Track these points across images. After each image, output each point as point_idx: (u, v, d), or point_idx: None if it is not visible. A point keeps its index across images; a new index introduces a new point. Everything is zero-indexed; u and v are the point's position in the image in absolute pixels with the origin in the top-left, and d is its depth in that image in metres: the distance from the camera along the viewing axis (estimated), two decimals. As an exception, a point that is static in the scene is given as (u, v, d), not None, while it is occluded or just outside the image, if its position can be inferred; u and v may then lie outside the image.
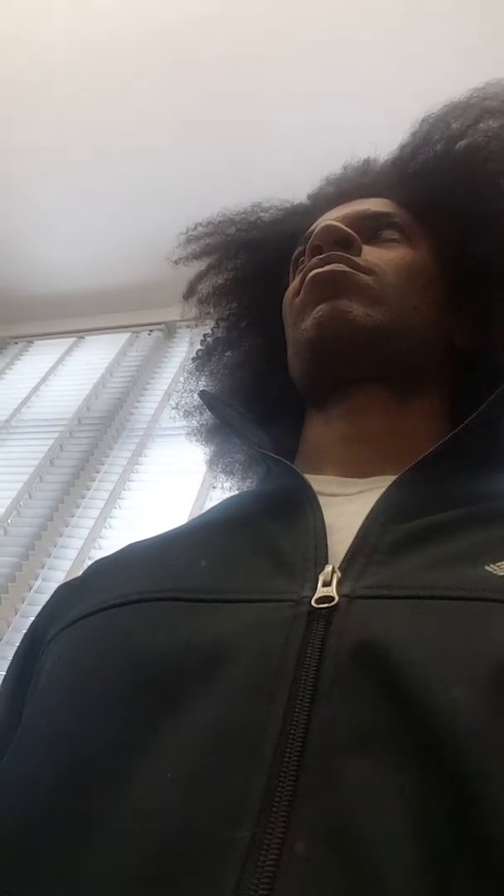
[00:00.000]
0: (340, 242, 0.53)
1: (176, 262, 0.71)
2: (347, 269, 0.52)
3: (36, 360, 2.42)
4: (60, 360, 2.36)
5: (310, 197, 0.71)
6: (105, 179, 2.08)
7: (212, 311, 0.72)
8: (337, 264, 0.52)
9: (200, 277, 0.71)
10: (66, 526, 1.73)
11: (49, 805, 0.29)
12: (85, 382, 2.19)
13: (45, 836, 0.27)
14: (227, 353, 0.70)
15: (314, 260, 0.53)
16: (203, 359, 0.71)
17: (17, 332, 2.53)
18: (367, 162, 0.70)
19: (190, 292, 0.72)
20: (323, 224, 0.54)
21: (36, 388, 2.25)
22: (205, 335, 0.72)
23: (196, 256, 0.71)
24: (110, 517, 1.72)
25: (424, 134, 0.63)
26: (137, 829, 0.26)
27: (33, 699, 0.39)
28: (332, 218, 0.57)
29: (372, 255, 0.54)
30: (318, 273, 0.52)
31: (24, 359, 2.46)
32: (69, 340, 2.44)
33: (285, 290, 0.62)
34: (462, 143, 0.60)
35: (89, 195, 2.13)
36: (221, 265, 0.71)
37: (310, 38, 1.68)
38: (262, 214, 0.71)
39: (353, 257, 0.53)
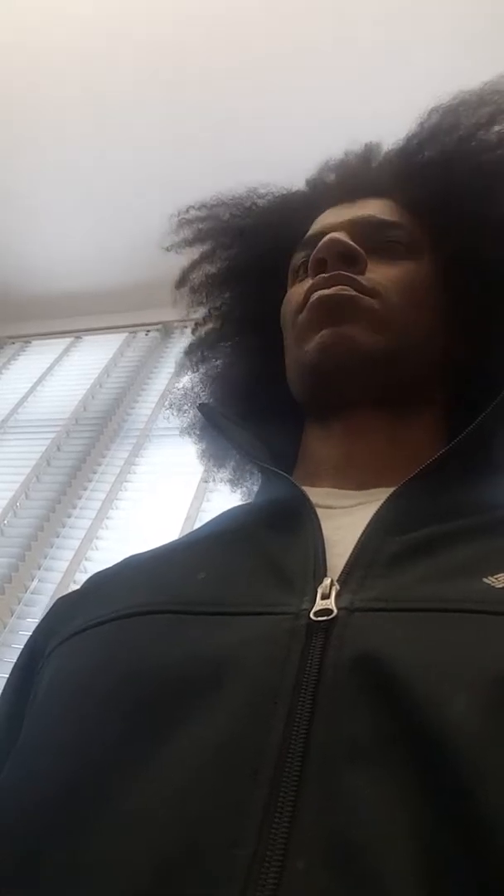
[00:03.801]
0: (345, 258, 0.51)
1: (167, 249, 0.68)
2: (353, 292, 0.50)
3: (33, 360, 2.42)
4: (57, 361, 2.36)
5: (308, 183, 0.68)
6: (103, 179, 2.07)
7: (204, 300, 0.69)
8: (342, 287, 0.50)
9: (193, 266, 0.69)
10: (63, 527, 1.73)
11: (48, 819, 0.29)
12: (82, 383, 2.19)
13: (44, 850, 0.27)
14: (220, 345, 0.68)
15: (318, 279, 0.52)
16: (195, 353, 0.69)
17: (14, 331, 2.52)
18: (369, 149, 0.67)
19: (182, 281, 0.69)
20: (328, 238, 0.52)
21: (33, 388, 2.25)
22: (196, 323, 0.70)
23: (189, 243, 0.68)
24: (107, 518, 1.72)
25: (433, 128, 0.60)
26: (138, 845, 0.26)
27: (33, 712, 0.39)
28: (335, 222, 0.56)
29: (377, 272, 0.53)
30: (323, 295, 0.51)
31: (21, 359, 2.46)
32: (66, 340, 2.44)
33: (281, 281, 0.60)
34: (474, 145, 0.58)
35: (87, 195, 2.13)
36: (215, 254, 0.68)
37: (310, 38, 1.68)
38: (259, 200, 0.68)
39: (358, 277, 0.51)
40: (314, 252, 0.53)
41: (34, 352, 2.47)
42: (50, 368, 2.33)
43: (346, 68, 1.69)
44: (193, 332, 0.70)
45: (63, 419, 2.04)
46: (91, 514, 1.73)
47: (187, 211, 0.69)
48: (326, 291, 0.51)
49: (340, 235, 0.52)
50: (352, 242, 0.52)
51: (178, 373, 0.71)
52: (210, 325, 0.69)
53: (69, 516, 1.75)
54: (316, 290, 0.52)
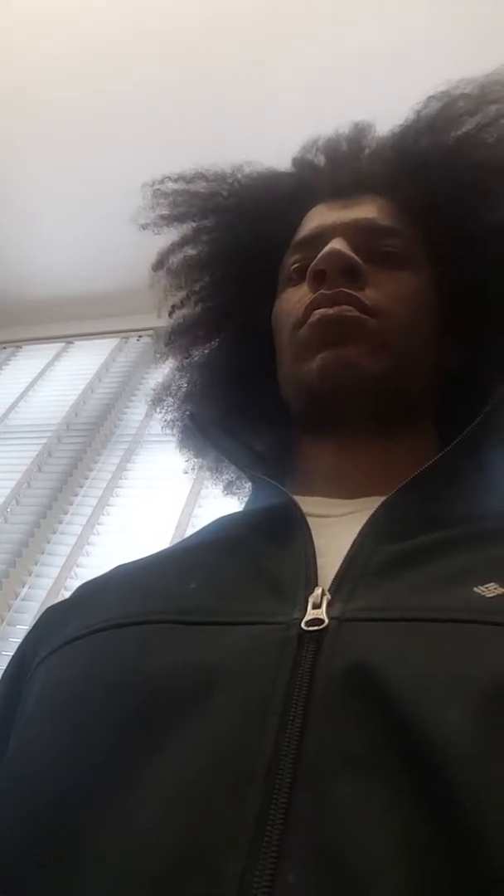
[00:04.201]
0: (346, 272, 0.50)
1: (143, 228, 0.65)
2: (356, 312, 0.49)
3: (24, 366, 2.41)
4: (49, 366, 2.35)
5: (295, 164, 0.65)
6: (96, 183, 2.07)
7: (183, 283, 0.66)
8: (346, 308, 0.49)
9: (173, 249, 0.66)
10: (54, 533, 1.72)
11: (39, 832, 0.28)
12: (73, 388, 2.19)
13: (33, 864, 0.27)
14: (199, 333, 0.66)
15: (320, 295, 0.50)
16: (174, 341, 0.67)
17: (4, 336, 2.51)
18: (360, 130, 0.64)
19: (159, 263, 0.66)
20: (329, 249, 0.50)
21: (24, 394, 2.24)
22: (173, 306, 0.67)
23: (167, 221, 0.65)
24: (98, 523, 1.71)
25: (431, 121, 0.58)
26: (128, 859, 0.26)
27: (23, 722, 0.39)
28: (332, 224, 0.54)
29: (376, 287, 0.51)
30: (325, 316, 0.50)
31: (13, 364, 2.45)
32: (58, 346, 2.43)
33: (264, 269, 0.59)
34: (478, 145, 0.56)
35: (79, 200, 2.13)
36: (197, 237, 0.65)
37: (311, 38, 1.68)
38: (242, 179, 0.66)
39: (359, 294, 0.50)
40: (314, 263, 0.51)
41: (25, 357, 2.46)
42: (41, 373, 2.32)
43: (349, 68, 1.70)
44: (170, 315, 0.67)
45: (54, 425, 2.03)
46: (82, 520, 1.73)
47: (162, 181, 0.65)
48: (329, 312, 0.50)
49: (341, 246, 0.50)
50: (354, 256, 0.50)
51: (158, 361, 0.68)
52: (187, 310, 0.67)
53: (60, 522, 1.75)
54: (317, 308, 0.50)
